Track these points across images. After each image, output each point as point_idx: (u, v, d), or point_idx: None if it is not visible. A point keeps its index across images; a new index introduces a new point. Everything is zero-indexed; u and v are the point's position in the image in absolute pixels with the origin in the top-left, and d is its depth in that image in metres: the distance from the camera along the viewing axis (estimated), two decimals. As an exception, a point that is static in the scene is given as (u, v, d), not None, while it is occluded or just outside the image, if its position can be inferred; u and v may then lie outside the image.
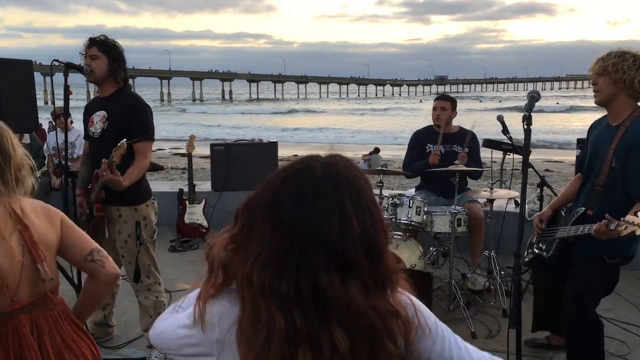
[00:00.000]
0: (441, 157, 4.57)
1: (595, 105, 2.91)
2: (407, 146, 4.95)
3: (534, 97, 2.57)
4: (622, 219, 2.48)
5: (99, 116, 3.35)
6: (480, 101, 72.43)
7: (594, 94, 2.86)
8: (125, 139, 3.11)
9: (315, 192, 1.06)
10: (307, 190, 1.07)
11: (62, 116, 5.78)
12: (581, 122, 34.77)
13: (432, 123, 4.83)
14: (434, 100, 4.83)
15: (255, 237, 1.08)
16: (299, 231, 1.05)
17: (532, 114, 2.44)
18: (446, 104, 4.71)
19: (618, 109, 2.81)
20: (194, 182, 6.15)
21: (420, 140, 4.83)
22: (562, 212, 3.15)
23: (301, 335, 1.03)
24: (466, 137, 4.56)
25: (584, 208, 2.92)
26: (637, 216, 2.43)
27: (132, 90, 3.56)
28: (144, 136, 3.27)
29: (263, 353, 1.04)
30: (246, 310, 1.07)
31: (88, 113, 3.45)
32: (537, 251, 3.12)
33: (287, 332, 1.03)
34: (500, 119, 4.34)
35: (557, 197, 3.35)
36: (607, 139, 2.83)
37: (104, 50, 3.26)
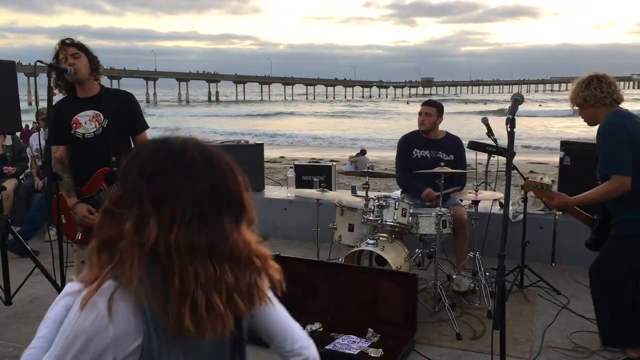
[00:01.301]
0: (427, 163, 4.64)
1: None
2: (395, 150, 5.00)
3: (517, 100, 2.61)
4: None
5: (87, 116, 3.30)
6: (466, 103, 72.88)
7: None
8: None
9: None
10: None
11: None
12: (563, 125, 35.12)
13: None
14: (421, 105, 4.87)
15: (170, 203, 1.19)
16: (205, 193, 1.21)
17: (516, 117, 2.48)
18: (431, 110, 4.74)
19: (599, 120, 3.23)
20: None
21: (407, 145, 4.87)
22: None
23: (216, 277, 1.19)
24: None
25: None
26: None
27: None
28: (146, 126, 3.50)
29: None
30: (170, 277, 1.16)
31: (68, 115, 3.30)
32: None
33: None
34: (485, 121, 4.37)
35: None
36: None
37: (81, 48, 3.28)
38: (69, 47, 3.23)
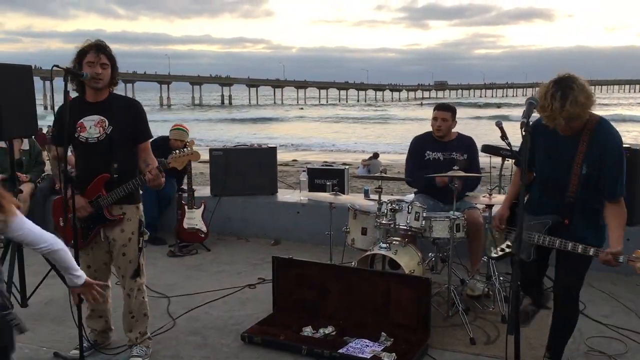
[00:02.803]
0: (439, 164, 4.61)
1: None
2: (407, 153, 4.97)
3: (531, 104, 2.60)
4: (632, 254, 2.62)
5: (93, 120, 3.30)
6: (480, 107, 72.53)
7: None
8: (190, 148, 3.41)
9: None
10: None
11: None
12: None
13: (431, 129, 4.83)
14: (434, 110, 4.81)
15: None
16: None
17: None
18: (447, 115, 4.70)
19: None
20: (193, 187, 6.16)
21: (419, 146, 4.84)
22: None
23: None
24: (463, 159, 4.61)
25: (552, 216, 2.99)
26: None
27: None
28: (150, 136, 3.50)
29: None
30: None
31: (73, 117, 3.28)
32: (507, 250, 3.26)
33: None
34: (499, 124, 4.34)
35: (507, 195, 3.48)
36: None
37: (110, 58, 3.30)
38: (102, 54, 3.24)
